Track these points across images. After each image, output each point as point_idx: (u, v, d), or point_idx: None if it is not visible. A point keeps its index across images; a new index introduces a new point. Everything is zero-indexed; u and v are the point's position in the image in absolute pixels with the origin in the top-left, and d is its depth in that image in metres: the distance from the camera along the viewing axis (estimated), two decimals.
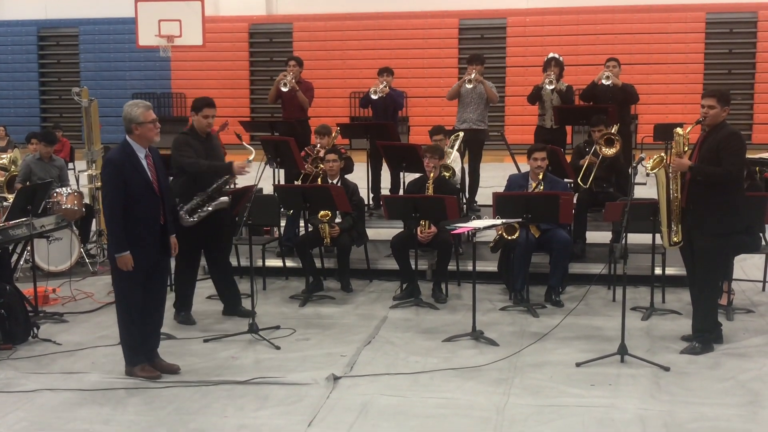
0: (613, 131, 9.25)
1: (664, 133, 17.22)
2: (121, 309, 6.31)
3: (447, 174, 9.11)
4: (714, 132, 6.73)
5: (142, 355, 6.35)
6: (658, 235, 7.95)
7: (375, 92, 10.65)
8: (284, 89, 10.96)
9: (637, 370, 6.31)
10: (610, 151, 9.03)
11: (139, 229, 6.12)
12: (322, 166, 9.24)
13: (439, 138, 9.56)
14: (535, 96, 10.43)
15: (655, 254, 8.02)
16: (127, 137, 6.21)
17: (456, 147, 9.93)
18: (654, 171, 6.79)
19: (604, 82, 10.23)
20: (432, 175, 8.65)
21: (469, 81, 10.34)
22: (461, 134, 10.14)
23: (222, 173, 7.53)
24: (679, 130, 6.93)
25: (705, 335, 6.78)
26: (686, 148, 6.86)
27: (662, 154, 6.98)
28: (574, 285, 8.61)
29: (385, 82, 10.69)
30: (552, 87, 10.23)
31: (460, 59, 21.03)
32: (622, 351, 6.48)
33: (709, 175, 6.63)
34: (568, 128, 10.84)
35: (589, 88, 10.51)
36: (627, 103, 10.60)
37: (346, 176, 9.28)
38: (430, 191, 8.49)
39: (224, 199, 7.47)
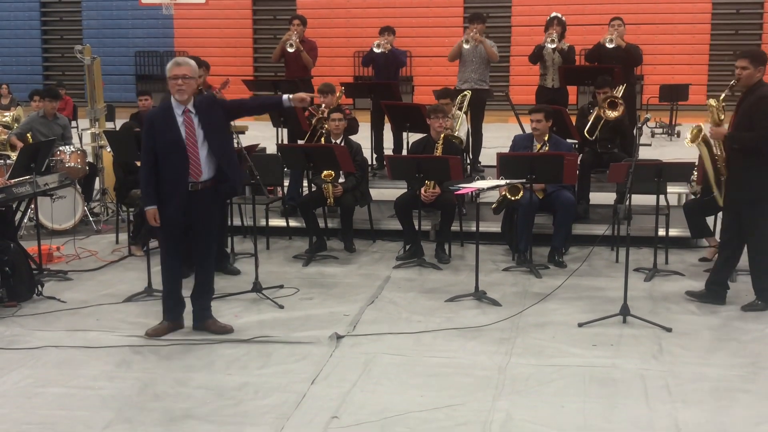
0: (617, 93, 9.19)
1: (669, 93, 17.17)
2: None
3: (455, 141, 9.06)
4: (749, 94, 6.71)
5: (167, 311, 6.42)
6: (662, 196, 7.98)
7: (378, 45, 10.60)
8: (290, 50, 10.89)
9: (639, 330, 6.33)
10: (612, 114, 8.98)
11: (165, 185, 6.09)
12: (326, 125, 9.18)
13: (446, 102, 9.48)
14: (537, 55, 10.37)
15: (658, 215, 8.01)
16: None
17: (464, 109, 9.85)
18: (694, 143, 6.81)
19: (608, 45, 10.15)
20: (442, 135, 8.59)
21: (467, 41, 10.27)
22: (468, 93, 10.03)
23: None
24: (712, 101, 6.93)
25: (766, 293, 6.85)
26: (722, 116, 6.84)
27: (701, 124, 6.97)
28: (578, 246, 8.61)
29: (386, 40, 10.63)
30: (553, 46, 10.17)
31: (465, 18, 20.87)
32: (625, 312, 6.50)
33: (743, 141, 6.62)
34: (573, 88, 10.78)
35: (595, 49, 10.42)
36: (631, 65, 10.52)
37: (350, 137, 9.24)
38: (439, 152, 8.45)
39: None
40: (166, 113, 6.12)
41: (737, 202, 6.83)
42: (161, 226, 6.16)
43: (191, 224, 6.26)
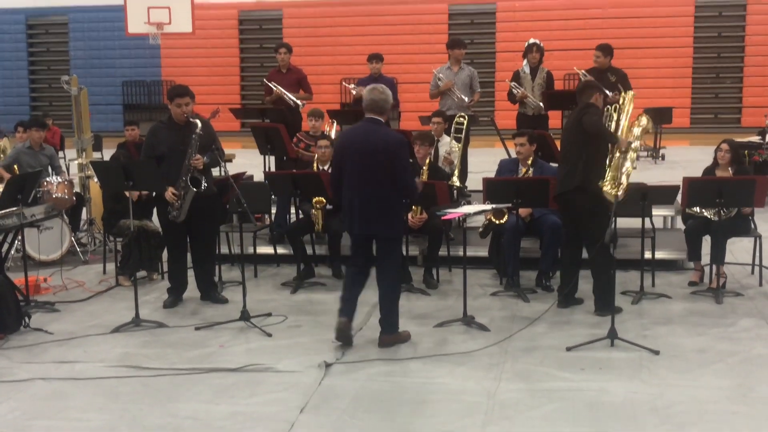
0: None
1: (653, 116, 17.16)
2: None
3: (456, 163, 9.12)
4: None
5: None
6: (647, 219, 8.03)
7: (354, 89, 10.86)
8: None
9: (627, 353, 6.34)
10: None
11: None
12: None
13: (439, 120, 9.51)
14: (513, 94, 10.50)
15: (644, 238, 8.05)
16: None
17: (463, 134, 9.83)
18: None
19: (582, 79, 10.32)
20: (427, 161, 8.63)
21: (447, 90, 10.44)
22: (465, 119, 9.93)
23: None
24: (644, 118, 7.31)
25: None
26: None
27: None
28: None
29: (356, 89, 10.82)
30: (528, 70, 10.35)
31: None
32: (612, 335, 6.50)
33: None
34: (556, 113, 10.91)
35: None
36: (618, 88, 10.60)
37: None
38: (425, 178, 8.48)
39: (193, 190, 7.48)
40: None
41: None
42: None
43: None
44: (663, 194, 8.15)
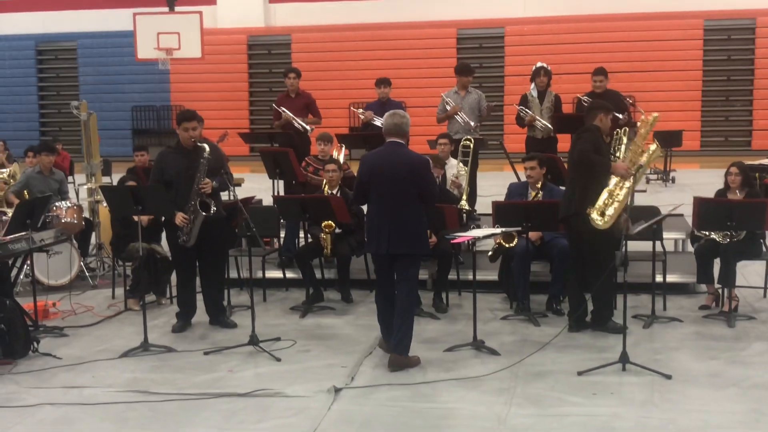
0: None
1: (663, 139, 17.19)
2: None
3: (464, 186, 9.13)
4: None
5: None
6: (658, 243, 7.98)
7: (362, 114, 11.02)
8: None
9: (639, 378, 6.29)
10: None
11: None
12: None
13: (445, 142, 9.51)
14: (522, 118, 10.50)
15: (655, 261, 8.00)
16: None
17: (469, 158, 9.83)
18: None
19: (584, 104, 10.35)
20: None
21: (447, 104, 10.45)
22: (472, 142, 9.94)
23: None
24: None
25: None
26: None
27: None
28: None
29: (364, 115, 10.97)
30: (536, 94, 10.35)
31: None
32: (624, 359, 6.46)
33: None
34: (565, 137, 10.89)
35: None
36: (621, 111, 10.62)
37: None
38: None
39: (202, 214, 7.49)
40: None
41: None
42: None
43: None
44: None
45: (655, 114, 7.51)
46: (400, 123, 6.77)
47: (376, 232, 6.72)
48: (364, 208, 7.53)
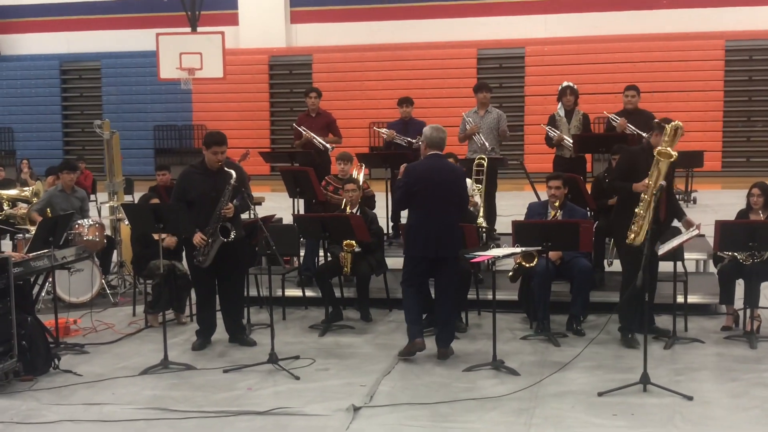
0: None
1: (684, 160, 17.09)
2: None
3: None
4: None
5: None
6: (679, 263, 7.94)
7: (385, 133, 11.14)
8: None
9: (659, 399, 6.24)
10: None
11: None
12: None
13: (451, 162, 9.51)
14: (550, 137, 10.47)
15: (676, 282, 7.96)
16: None
17: (484, 174, 9.84)
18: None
19: (613, 123, 10.34)
20: None
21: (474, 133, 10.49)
22: (485, 161, 10.00)
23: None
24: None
25: None
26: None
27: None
28: (595, 314, 8.54)
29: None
30: (563, 113, 10.33)
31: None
32: (645, 380, 6.41)
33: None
34: (588, 156, 10.85)
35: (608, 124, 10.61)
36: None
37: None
38: None
39: (221, 239, 7.54)
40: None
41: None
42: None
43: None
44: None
45: (677, 122, 7.40)
46: (444, 137, 7.53)
47: (423, 237, 7.31)
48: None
